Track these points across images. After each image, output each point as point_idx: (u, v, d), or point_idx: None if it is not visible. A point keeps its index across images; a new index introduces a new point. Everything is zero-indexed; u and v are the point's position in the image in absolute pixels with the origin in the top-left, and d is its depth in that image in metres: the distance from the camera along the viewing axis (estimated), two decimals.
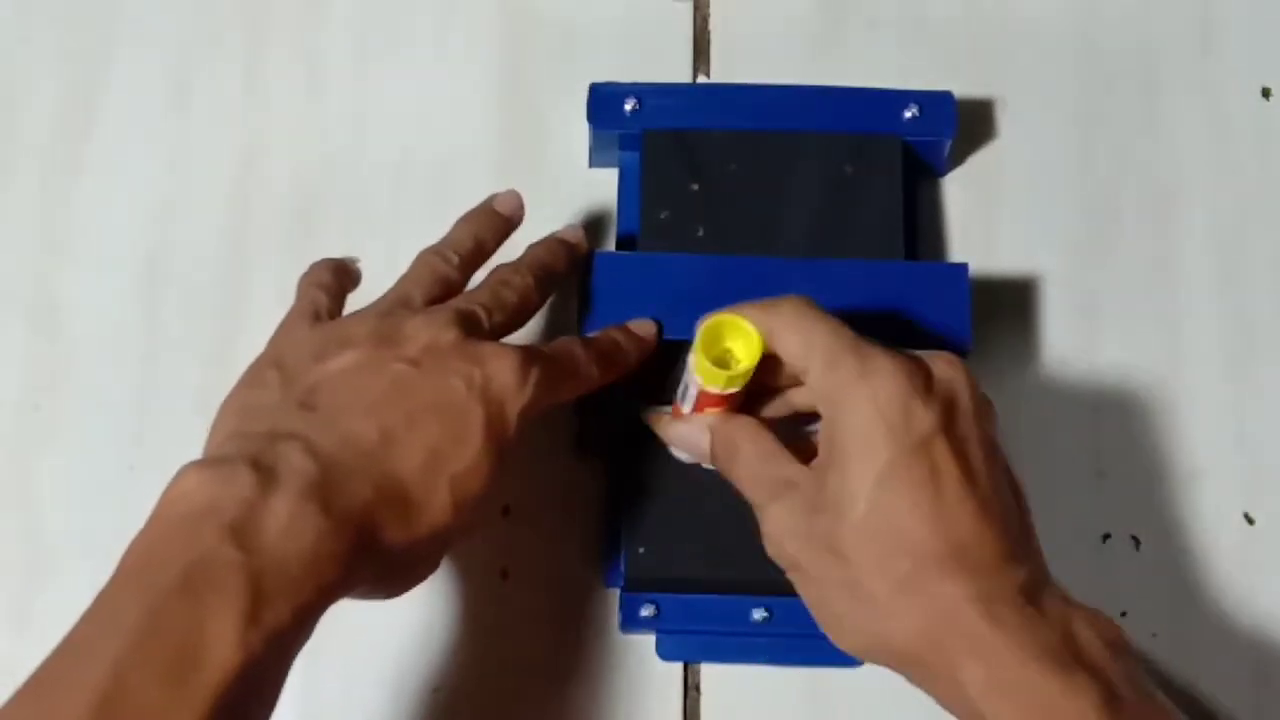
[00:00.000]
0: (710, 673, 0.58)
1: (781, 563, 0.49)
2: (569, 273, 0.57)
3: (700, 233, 0.58)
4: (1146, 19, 0.66)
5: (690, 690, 0.58)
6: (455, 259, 0.54)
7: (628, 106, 0.60)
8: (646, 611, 0.56)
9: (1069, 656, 0.44)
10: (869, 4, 0.66)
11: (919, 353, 0.48)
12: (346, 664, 0.57)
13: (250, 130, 0.64)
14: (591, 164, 0.63)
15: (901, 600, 0.45)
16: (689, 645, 0.57)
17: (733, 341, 0.49)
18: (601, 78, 0.61)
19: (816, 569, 0.47)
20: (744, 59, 0.65)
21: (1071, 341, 0.61)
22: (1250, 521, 0.60)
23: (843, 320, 0.48)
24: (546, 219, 0.62)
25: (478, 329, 0.50)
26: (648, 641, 0.57)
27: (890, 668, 0.47)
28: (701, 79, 0.65)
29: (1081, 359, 0.61)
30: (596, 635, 0.58)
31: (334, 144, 0.64)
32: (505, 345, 0.50)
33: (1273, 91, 0.65)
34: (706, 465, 0.53)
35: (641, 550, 0.56)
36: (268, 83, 0.65)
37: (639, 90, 0.60)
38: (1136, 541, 0.59)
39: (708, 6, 0.66)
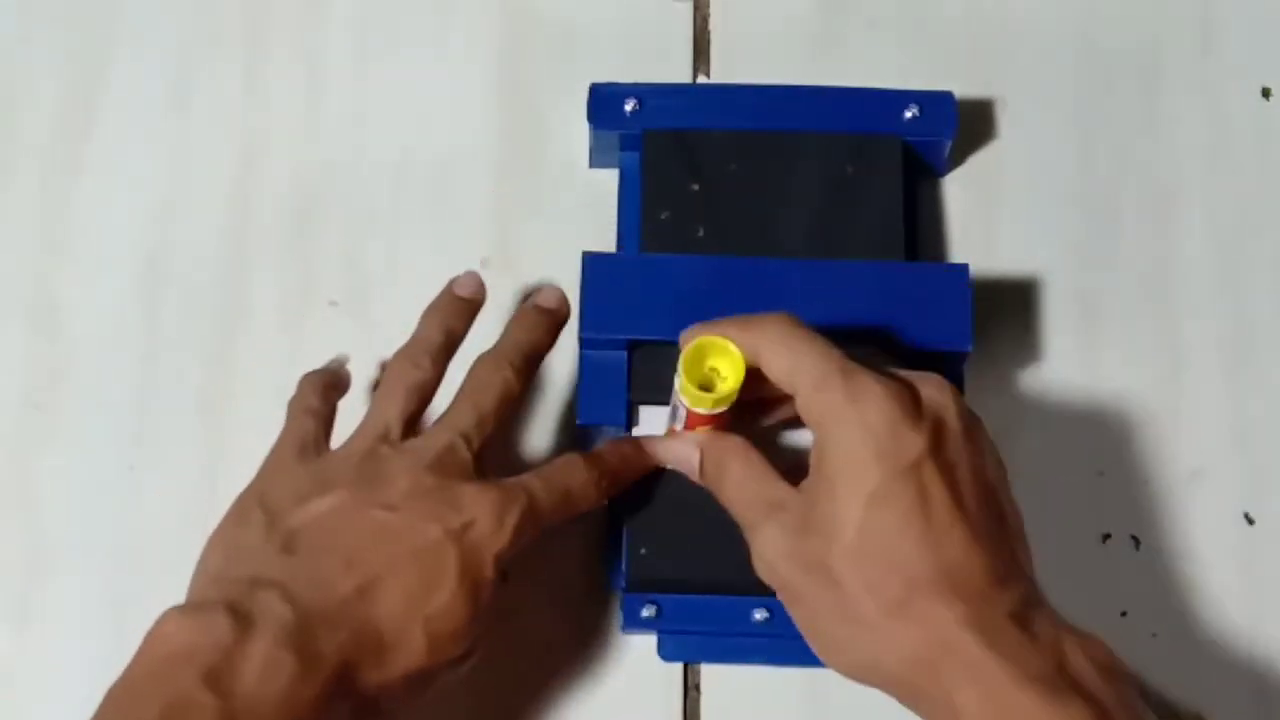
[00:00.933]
0: (710, 673, 0.58)
1: (772, 584, 0.49)
2: (554, 341, 0.57)
3: (700, 233, 0.58)
4: (1146, 19, 0.66)
5: (690, 690, 0.58)
6: (426, 360, 0.54)
7: (628, 107, 0.60)
8: (648, 612, 0.56)
9: (1062, 681, 0.44)
10: (869, 4, 0.66)
11: (906, 373, 0.49)
12: None
13: (250, 130, 0.64)
14: (592, 164, 0.63)
15: (893, 624, 0.46)
16: (690, 646, 0.57)
17: (717, 360, 0.50)
18: (601, 78, 0.61)
19: (807, 591, 0.48)
20: (744, 59, 0.65)
21: (1072, 341, 0.61)
22: (1250, 521, 0.60)
23: (829, 337, 0.49)
24: (547, 219, 0.62)
25: (458, 465, 0.51)
26: (648, 641, 0.57)
27: (884, 690, 0.47)
28: (701, 79, 0.65)
29: (1081, 359, 0.61)
30: (597, 635, 0.58)
31: (334, 144, 0.64)
32: (484, 489, 0.50)
33: (1273, 91, 0.65)
34: (698, 481, 0.53)
35: (643, 551, 0.55)
36: (268, 83, 0.65)
37: (639, 90, 0.60)
38: (1136, 541, 0.59)
39: (708, 6, 0.66)
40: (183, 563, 0.55)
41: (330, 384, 0.56)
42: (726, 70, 0.65)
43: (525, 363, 0.55)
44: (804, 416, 0.49)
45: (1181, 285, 0.62)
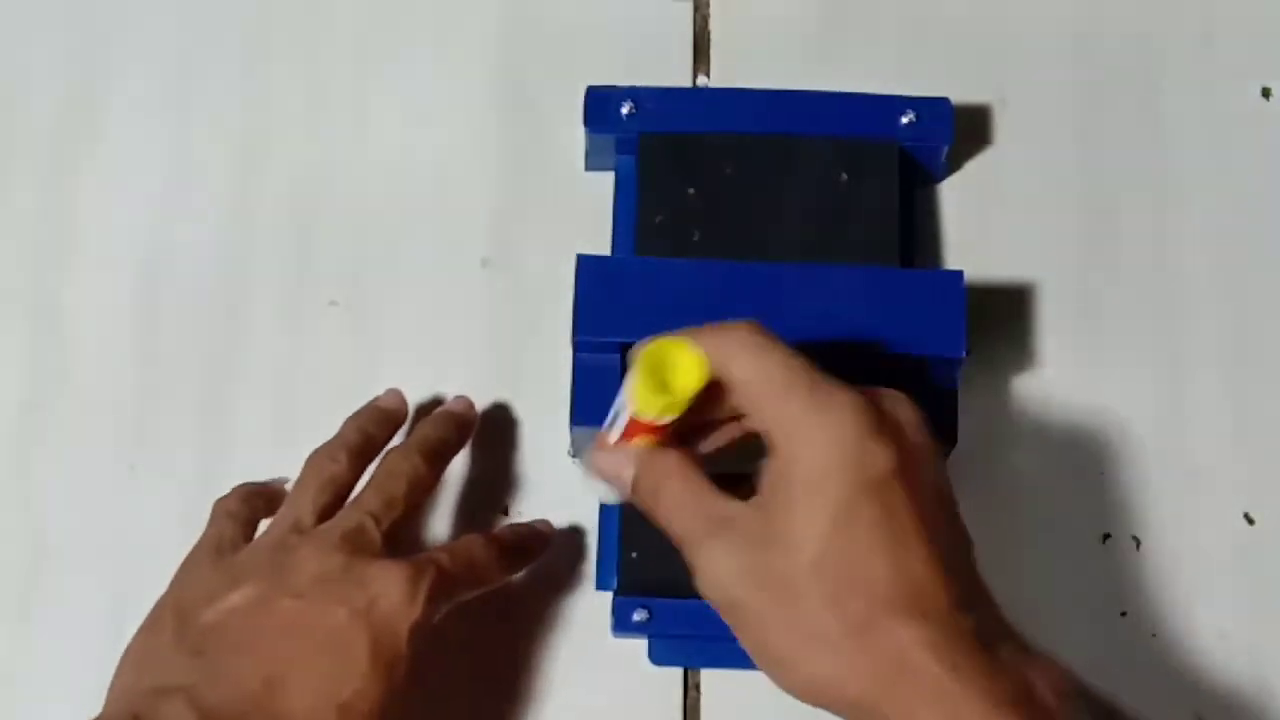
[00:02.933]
0: (710, 672, 0.58)
1: (719, 603, 0.47)
2: (462, 443, 0.58)
3: (696, 237, 0.58)
4: (1146, 19, 0.66)
5: (690, 689, 0.58)
6: (343, 456, 0.55)
7: (624, 110, 0.59)
8: (639, 616, 0.55)
9: (1023, 704, 0.43)
10: (869, 4, 0.66)
11: (868, 388, 0.47)
12: None
13: (250, 130, 0.64)
14: (588, 167, 0.62)
15: (854, 642, 0.44)
16: (680, 650, 0.57)
17: (672, 370, 0.46)
18: (601, 78, 0.60)
19: (760, 608, 0.45)
20: (744, 59, 0.65)
21: (1072, 343, 0.61)
22: (1250, 521, 0.60)
23: (823, 343, 0.47)
24: (547, 220, 0.63)
25: (367, 544, 0.52)
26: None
27: (837, 713, 0.45)
28: (702, 79, 0.65)
29: (1081, 360, 0.61)
30: (596, 635, 0.58)
31: (334, 145, 0.64)
32: (392, 563, 0.51)
33: (1273, 91, 0.65)
34: (624, 500, 0.51)
35: (634, 555, 0.55)
36: (268, 83, 0.65)
37: (635, 93, 0.60)
38: (1137, 541, 0.59)
39: (708, 6, 0.66)
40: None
41: (257, 493, 0.57)
42: (726, 71, 0.65)
43: (433, 454, 0.56)
44: (764, 426, 0.46)
45: (1181, 286, 0.62)
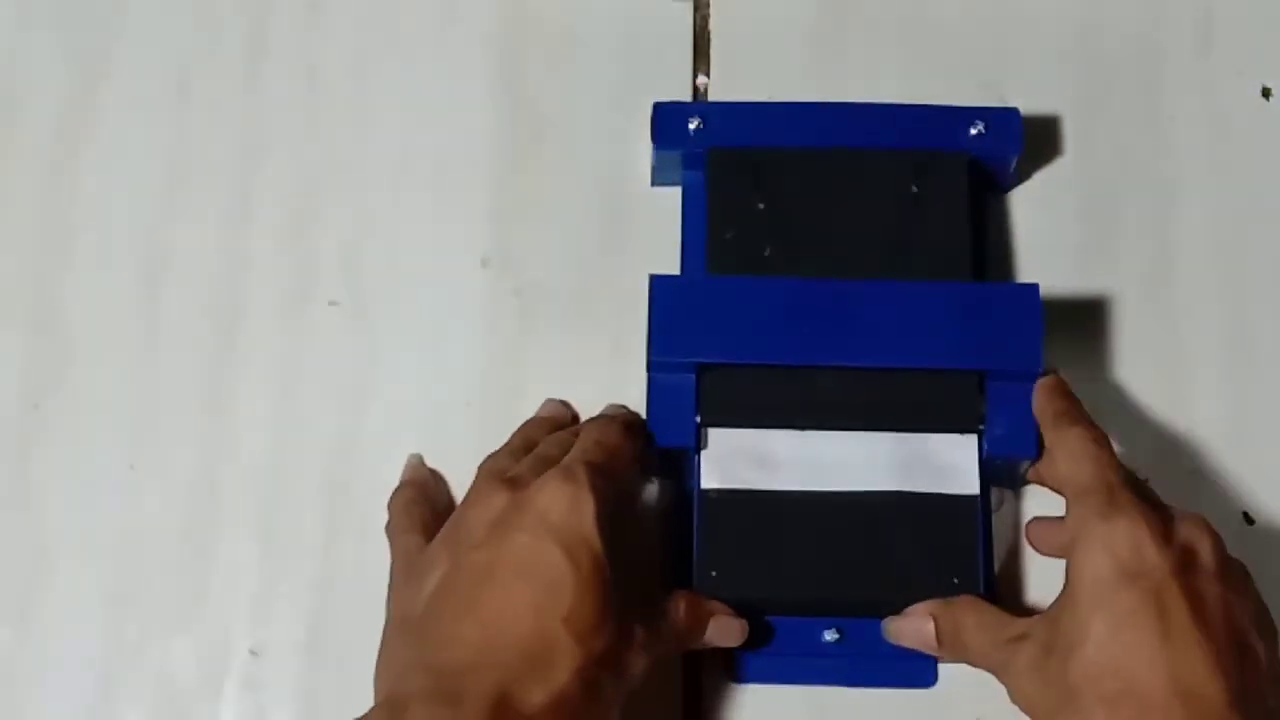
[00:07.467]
0: (710, 672, 0.57)
1: (1026, 711, 0.50)
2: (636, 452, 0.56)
3: (766, 252, 0.58)
4: (1147, 19, 0.66)
5: (691, 691, 0.57)
6: (508, 460, 0.55)
7: (691, 125, 0.59)
8: None
9: None
10: (869, 3, 0.66)
11: (1172, 508, 0.51)
12: (349, 664, 0.56)
13: (250, 130, 0.64)
14: (654, 182, 0.62)
15: None
16: (767, 667, 0.56)
17: None
18: (601, 78, 0.61)
19: (1049, 709, 0.48)
20: (744, 59, 0.65)
21: (1072, 342, 0.61)
22: (1250, 521, 0.60)
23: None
24: (547, 219, 0.63)
25: (520, 480, 0.52)
26: None
27: None
28: (701, 79, 0.65)
29: (1082, 359, 0.61)
30: None
31: (334, 144, 0.64)
32: (545, 478, 0.51)
33: (1273, 91, 0.65)
34: (933, 653, 0.55)
35: (713, 573, 0.55)
36: (268, 83, 0.65)
37: (702, 109, 0.60)
38: None
39: (708, 6, 0.66)
40: (183, 563, 0.55)
41: (419, 497, 0.57)
42: (727, 70, 0.65)
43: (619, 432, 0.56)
44: (1066, 527, 0.50)
45: (1181, 285, 0.62)
